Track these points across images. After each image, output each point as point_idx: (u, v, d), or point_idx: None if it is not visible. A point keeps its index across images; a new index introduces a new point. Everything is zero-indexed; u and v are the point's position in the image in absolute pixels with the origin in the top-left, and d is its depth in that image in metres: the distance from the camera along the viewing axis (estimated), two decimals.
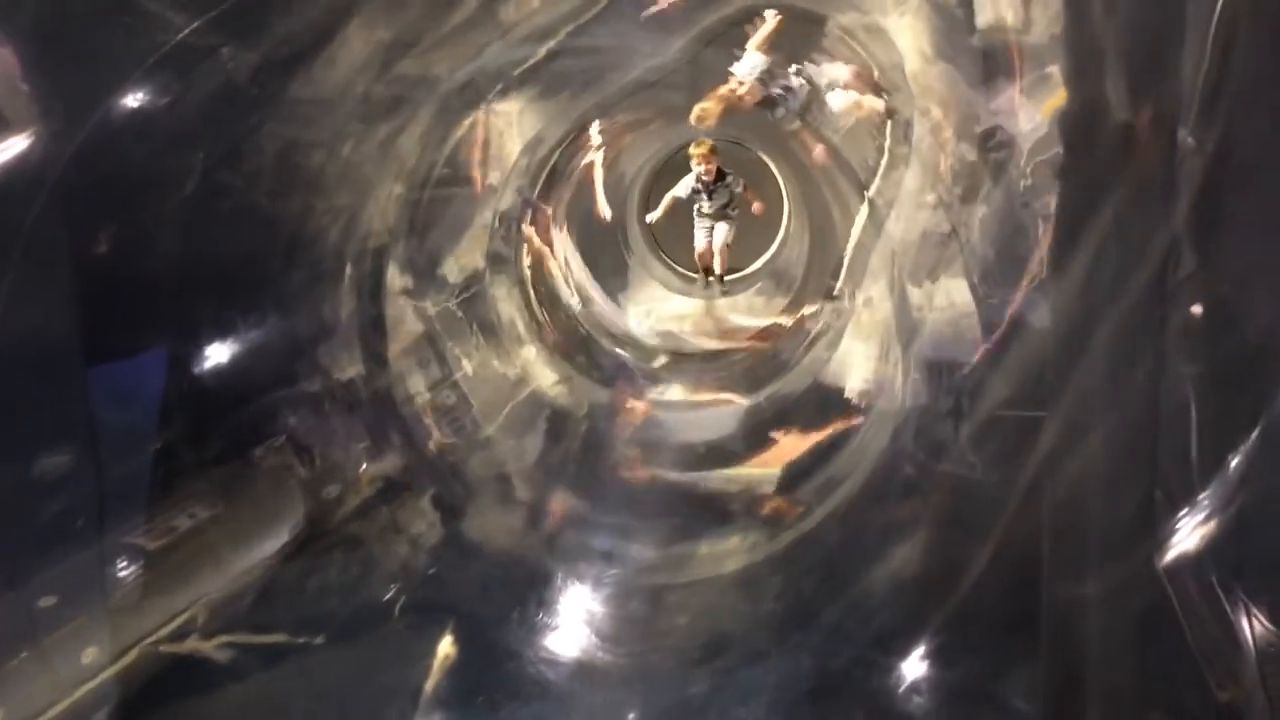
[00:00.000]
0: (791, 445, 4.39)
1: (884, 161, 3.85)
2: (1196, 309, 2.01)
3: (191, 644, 2.90)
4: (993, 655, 2.63)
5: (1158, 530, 2.05)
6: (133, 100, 2.60)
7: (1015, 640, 2.45)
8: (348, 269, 3.85)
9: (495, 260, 5.07)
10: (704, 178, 6.62)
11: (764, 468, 4.32)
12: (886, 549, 3.27)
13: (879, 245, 4.17)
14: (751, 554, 3.77)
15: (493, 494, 4.18)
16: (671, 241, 7.60)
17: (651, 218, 6.96)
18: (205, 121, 2.86)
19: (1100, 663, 2.11)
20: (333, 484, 3.62)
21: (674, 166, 6.96)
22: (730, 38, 4.08)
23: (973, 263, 3.07)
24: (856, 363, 4.38)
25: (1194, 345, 2.03)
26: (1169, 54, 1.88)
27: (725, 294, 7.35)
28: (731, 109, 4.42)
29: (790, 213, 7.31)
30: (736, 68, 4.20)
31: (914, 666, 2.79)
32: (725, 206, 6.91)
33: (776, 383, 5.20)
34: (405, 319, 4.32)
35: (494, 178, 4.92)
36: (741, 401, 5.26)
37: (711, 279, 7.36)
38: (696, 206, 6.96)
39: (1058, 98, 2.33)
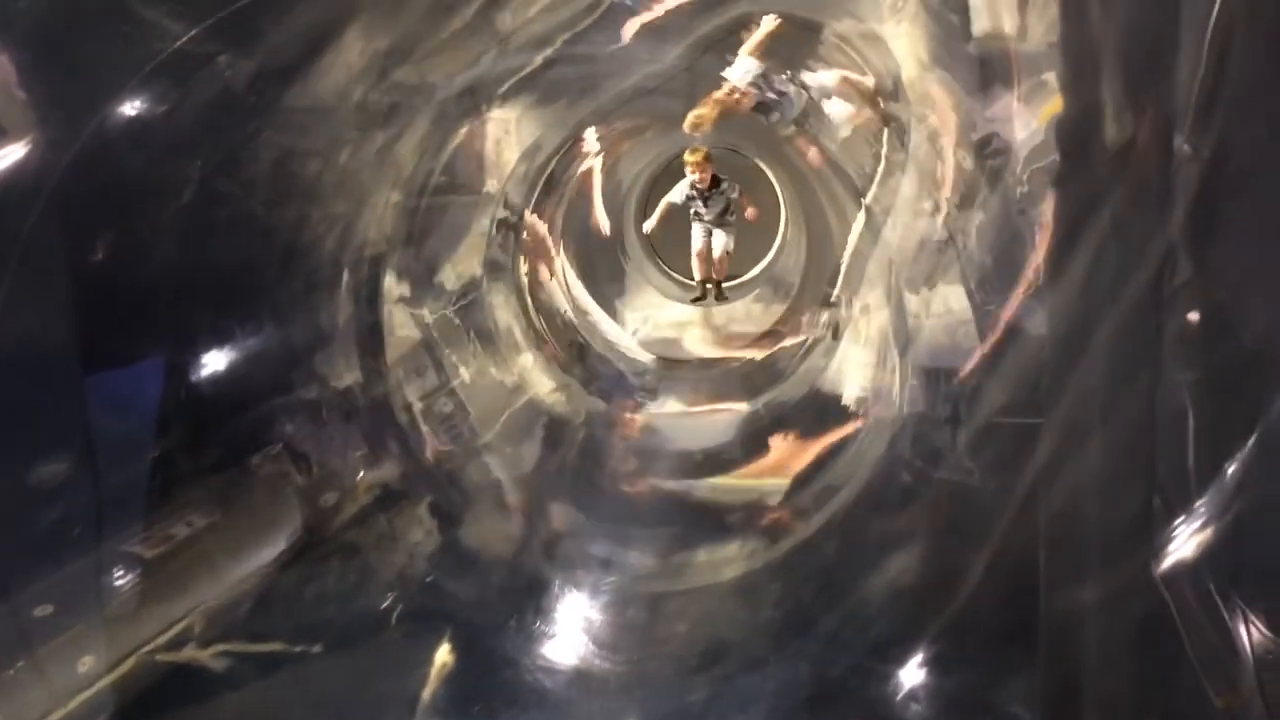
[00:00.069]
0: (789, 452, 4.39)
1: (881, 169, 3.86)
2: (1193, 316, 2.01)
3: (188, 653, 2.89)
4: (990, 663, 2.63)
5: (1155, 537, 2.05)
6: (130, 108, 2.60)
7: (1013, 648, 2.45)
8: (345, 277, 3.85)
9: (493, 268, 5.07)
10: (698, 185, 6.64)
11: (764, 478, 4.31)
12: (884, 557, 3.27)
13: (876, 252, 4.17)
14: (750, 561, 3.77)
15: (490, 502, 4.18)
16: (669, 249, 7.62)
17: (648, 227, 6.97)
18: (202, 130, 2.86)
19: (1098, 670, 2.10)
20: (330, 492, 3.62)
21: (671, 174, 6.98)
22: (727, 44, 4.08)
23: (970, 270, 3.07)
24: (854, 370, 4.38)
25: (1191, 352, 2.03)
26: (1165, 61, 1.88)
27: (722, 301, 7.36)
28: (726, 115, 4.43)
29: (787, 220, 7.33)
30: (729, 72, 4.20)
31: (912, 674, 2.78)
32: (723, 213, 6.92)
33: (774, 390, 5.21)
34: (402, 327, 4.32)
35: (491, 185, 4.92)
36: (739, 409, 5.26)
37: (709, 286, 7.37)
38: (693, 211, 6.97)
39: (1054, 105, 2.33)
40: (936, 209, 3.37)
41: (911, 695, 2.76)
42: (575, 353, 5.71)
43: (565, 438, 4.93)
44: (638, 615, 3.59)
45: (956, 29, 2.84)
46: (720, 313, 7.32)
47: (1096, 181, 2.05)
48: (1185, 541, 2.02)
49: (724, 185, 6.77)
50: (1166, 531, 2.05)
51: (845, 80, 3.84)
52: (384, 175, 3.94)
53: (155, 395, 2.93)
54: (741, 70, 4.16)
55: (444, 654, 3.26)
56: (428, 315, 4.50)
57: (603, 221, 6.81)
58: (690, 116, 4.64)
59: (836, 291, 4.90)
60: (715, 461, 4.71)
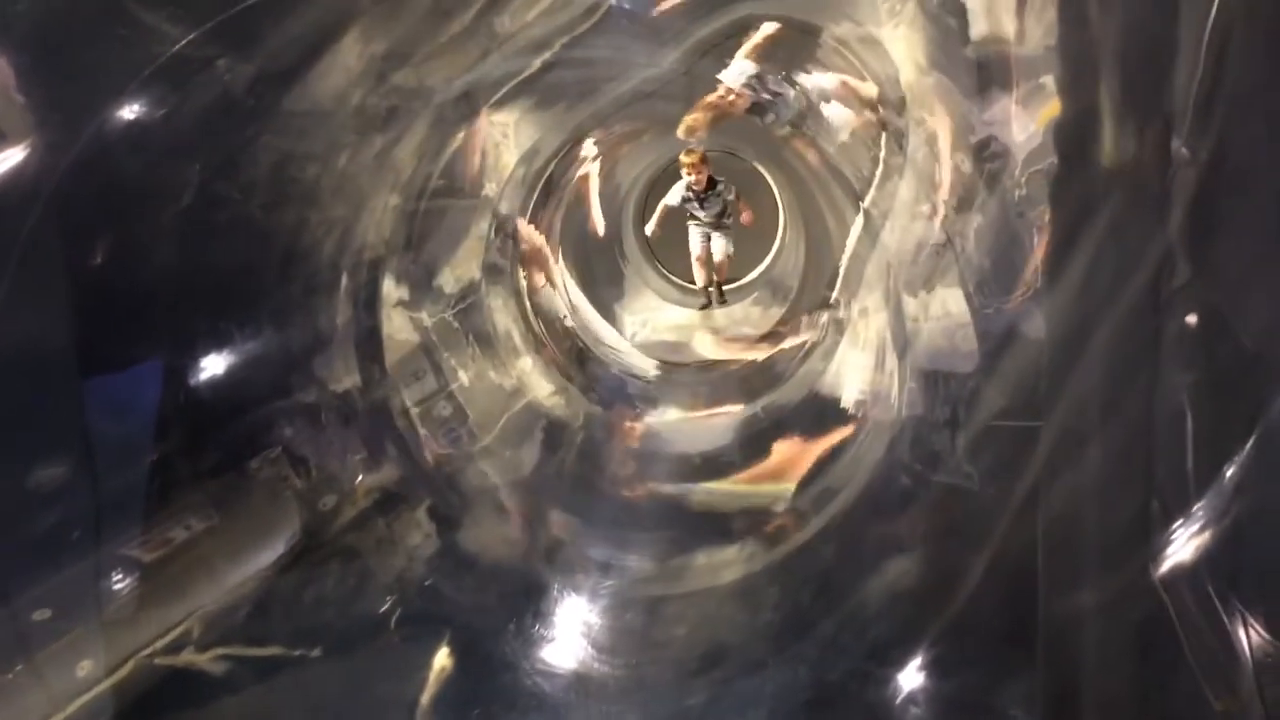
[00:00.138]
0: (792, 457, 4.38)
1: (879, 172, 3.86)
2: (1191, 318, 2.02)
3: (186, 657, 2.89)
4: (989, 666, 2.63)
5: (1154, 540, 2.05)
6: (129, 112, 2.60)
7: (1012, 651, 2.45)
8: (343, 280, 3.85)
9: (491, 271, 5.07)
10: (694, 187, 6.64)
11: (767, 484, 4.30)
12: (883, 560, 3.27)
13: (874, 255, 4.18)
14: (749, 564, 3.77)
15: (489, 505, 4.18)
16: (667, 251, 7.63)
17: (649, 230, 6.98)
18: (201, 133, 2.86)
19: (1097, 673, 2.10)
20: (329, 495, 3.62)
21: (670, 177, 6.99)
22: (725, 48, 4.09)
23: (968, 273, 3.07)
24: (852, 373, 4.38)
25: (1189, 354, 2.03)
26: (1163, 63, 1.89)
27: (724, 304, 7.38)
28: (721, 118, 4.43)
29: (786, 223, 7.33)
30: (724, 75, 4.20)
31: (911, 678, 2.78)
32: (720, 216, 6.92)
33: (772, 393, 5.20)
34: (401, 330, 4.32)
35: (490, 189, 4.92)
36: (738, 412, 5.26)
37: (711, 289, 7.38)
38: (690, 215, 6.98)
39: (1052, 108, 2.33)
40: (934, 212, 3.37)
41: (911, 698, 2.76)
42: (574, 356, 5.71)
43: (564, 441, 4.93)
44: (636, 619, 3.59)
45: (954, 32, 2.84)
46: (719, 316, 7.33)
47: (1094, 184, 2.05)
48: (1184, 544, 2.02)
49: (720, 187, 6.78)
50: (1165, 534, 2.05)
51: (844, 85, 3.85)
52: (382, 179, 3.94)
53: (154, 399, 2.93)
54: (736, 71, 4.16)
55: (443, 658, 3.26)
56: (426, 319, 4.50)
57: (599, 222, 6.82)
58: (685, 121, 4.64)
59: (835, 294, 4.90)
60: (714, 465, 4.71)
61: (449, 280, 4.74)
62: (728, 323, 7.21)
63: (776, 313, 6.82)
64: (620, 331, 6.79)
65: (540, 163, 5.25)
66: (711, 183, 6.73)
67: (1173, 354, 2.03)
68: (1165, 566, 2.03)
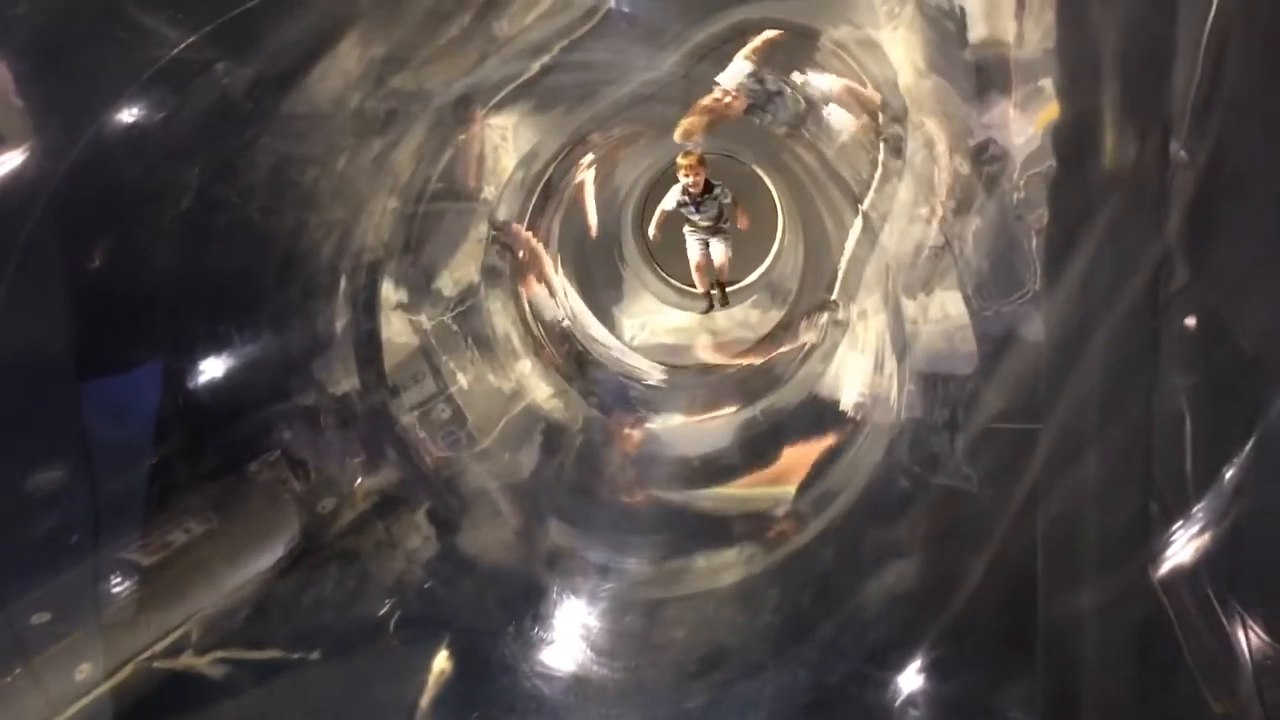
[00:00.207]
0: (788, 461, 4.38)
1: (878, 175, 3.86)
2: (1190, 320, 2.02)
3: (185, 660, 2.89)
4: (989, 668, 2.63)
5: (1153, 543, 2.06)
6: (128, 115, 2.60)
7: (1011, 653, 2.45)
8: (342, 283, 3.85)
9: (490, 274, 5.07)
10: (691, 189, 6.63)
11: (767, 487, 4.30)
12: (882, 562, 3.27)
13: (873, 258, 4.18)
14: (748, 567, 3.77)
15: (488, 508, 4.18)
16: (666, 254, 7.63)
17: (651, 234, 6.98)
18: (200, 136, 2.87)
19: (1096, 675, 2.10)
20: (328, 498, 3.62)
21: (668, 180, 6.98)
22: (724, 53, 4.09)
23: (967, 275, 3.07)
24: (852, 375, 4.38)
25: (1188, 357, 2.03)
26: (1161, 66, 1.89)
27: (726, 306, 7.38)
28: (718, 120, 4.42)
29: (785, 226, 7.33)
30: (722, 76, 4.20)
31: (910, 680, 2.78)
32: (716, 219, 6.92)
33: (772, 395, 5.20)
34: (400, 333, 4.32)
35: (489, 192, 4.93)
36: (737, 414, 5.26)
37: (714, 292, 7.38)
38: (687, 221, 6.97)
39: (1051, 111, 2.33)
40: (933, 215, 3.37)
41: (910, 701, 2.76)
42: (573, 359, 5.71)
43: (563, 444, 4.93)
44: (636, 621, 3.59)
45: (953, 35, 2.84)
46: (719, 318, 7.33)
47: (1093, 187, 2.05)
48: (1183, 547, 2.03)
49: (717, 190, 6.77)
50: (1164, 537, 2.05)
51: (845, 88, 3.84)
52: (381, 182, 3.94)
53: (153, 402, 2.93)
54: (734, 71, 4.16)
55: (442, 661, 3.25)
56: (425, 322, 4.50)
57: (593, 225, 6.82)
58: (681, 124, 4.64)
59: (834, 297, 4.91)
60: (713, 467, 4.71)
61: (448, 283, 4.74)
62: (727, 325, 7.21)
63: (775, 315, 6.82)
64: (619, 335, 6.79)
65: (539, 166, 5.25)
66: (708, 186, 6.72)
67: (1171, 356, 2.03)
68: (1164, 568, 2.03)
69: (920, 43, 3.14)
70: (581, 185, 6.42)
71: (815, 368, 4.96)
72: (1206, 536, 1.99)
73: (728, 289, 7.41)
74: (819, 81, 3.99)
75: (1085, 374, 2.08)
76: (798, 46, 3.95)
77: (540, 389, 5.14)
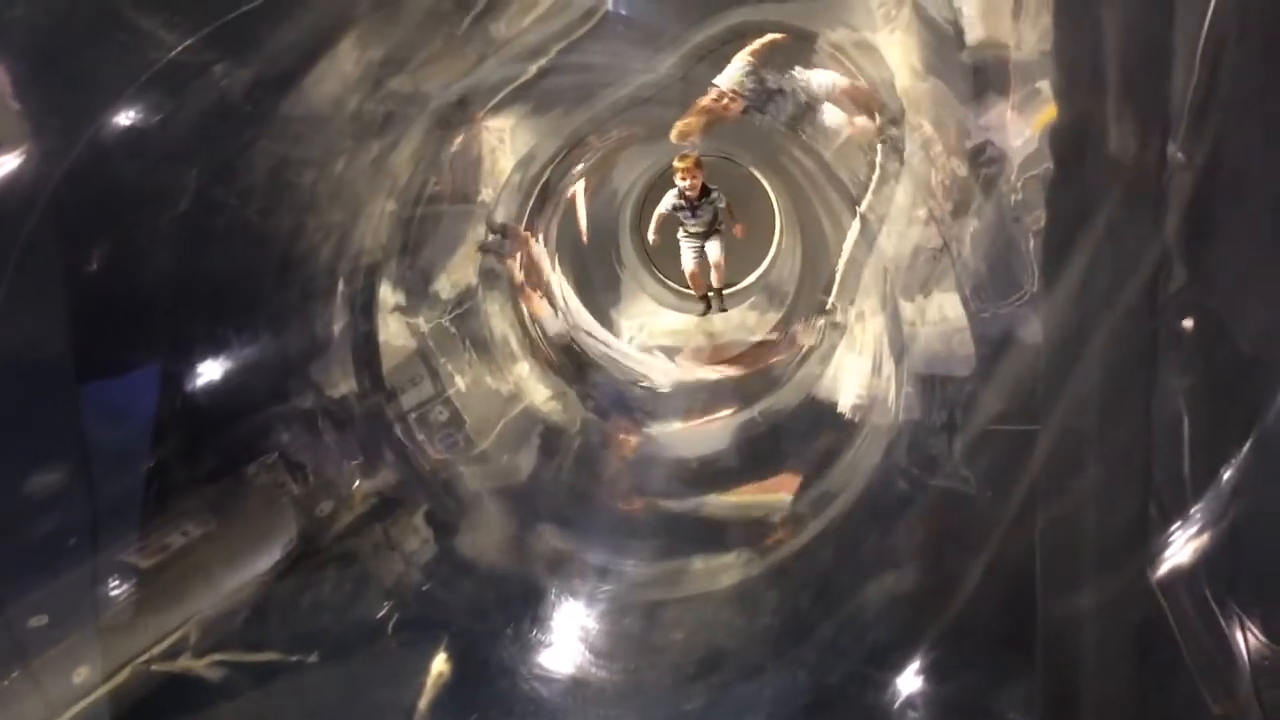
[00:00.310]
0: (787, 472, 4.37)
1: (875, 177, 3.86)
2: (1188, 322, 2.02)
3: (184, 663, 2.88)
4: (988, 669, 2.63)
5: (1151, 544, 2.06)
6: (125, 117, 2.60)
7: (1010, 654, 2.45)
8: (340, 286, 3.85)
9: (488, 276, 5.07)
10: (688, 193, 6.63)
11: (766, 495, 4.30)
12: (880, 564, 3.27)
13: (871, 260, 4.18)
14: (747, 569, 3.77)
15: (487, 510, 4.17)
16: (663, 257, 7.64)
17: (651, 238, 7.00)
18: (198, 138, 2.86)
19: (1095, 676, 2.11)
20: (326, 501, 3.61)
21: (666, 181, 7.00)
22: (722, 55, 4.09)
23: (965, 277, 3.07)
24: (850, 377, 4.38)
25: (1186, 358, 2.03)
26: (1159, 68, 1.89)
27: (723, 310, 7.38)
28: (715, 122, 4.42)
29: (782, 228, 7.34)
30: (719, 78, 4.19)
31: (909, 681, 2.78)
32: (711, 223, 6.93)
33: (770, 398, 5.21)
34: (398, 336, 4.32)
35: (487, 194, 4.93)
36: (735, 416, 5.26)
37: (711, 295, 7.38)
38: (681, 227, 6.97)
39: (1048, 113, 2.33)
40: (931, 217, 3.38)
41: (909, 702, 2.76)
42: (571, 362, 5.71)
43: (561, 446, 4.92)
44: (634, 623, 3.59)
45: (950, 38, 2.85)
46: (717, 321, 7.34)
47: (1091, 189, 2.06)
48: (1182, 548, 2.03)
49: (714, 195, 6.78)
50: (1163, 538, 2.05)
51: (847, 89, 3.84)
52: (379, 184, 3.94)
53: (151, 404, 2.93)
54: (731, 72, 4.15)
55: (440, 663, 3.25)
56: (423, 324, 4.50)
57: (584, 228, 6.83)
58: (678, 125, 4.64)
59: (832, 299, 4.91)
60: (712, 470, 4.71)
61: (445, 286, 4.74)
62: (725, 327, 7.22)
63: (773, 317, 6.83)
64: (617, 337, 6.79)
65: (536, 168, 5.26)
66: (705, 190, 6.73)
67: (1170, 358, 2.03)
68: (1163, 570, 2.03)
69: (917, 45, 3.14)
70: (574, 195, 6.43)
71: (813, 370, 4.97)
72: (1205, 537, 1.99)
73: (724, 291, 7.41)
74: (818, 79, 3.99)
75: (1083, 375, 2.09)
76: (795, 49, 3.96)
77: (538, 391, 5.14)
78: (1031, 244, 2.54)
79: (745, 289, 7.62)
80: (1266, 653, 1.88)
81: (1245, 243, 1.93)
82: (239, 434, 3.34)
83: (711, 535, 4.10)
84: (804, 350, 5.34)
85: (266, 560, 3.30)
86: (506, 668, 3.30)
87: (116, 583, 2.76)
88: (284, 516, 3.43)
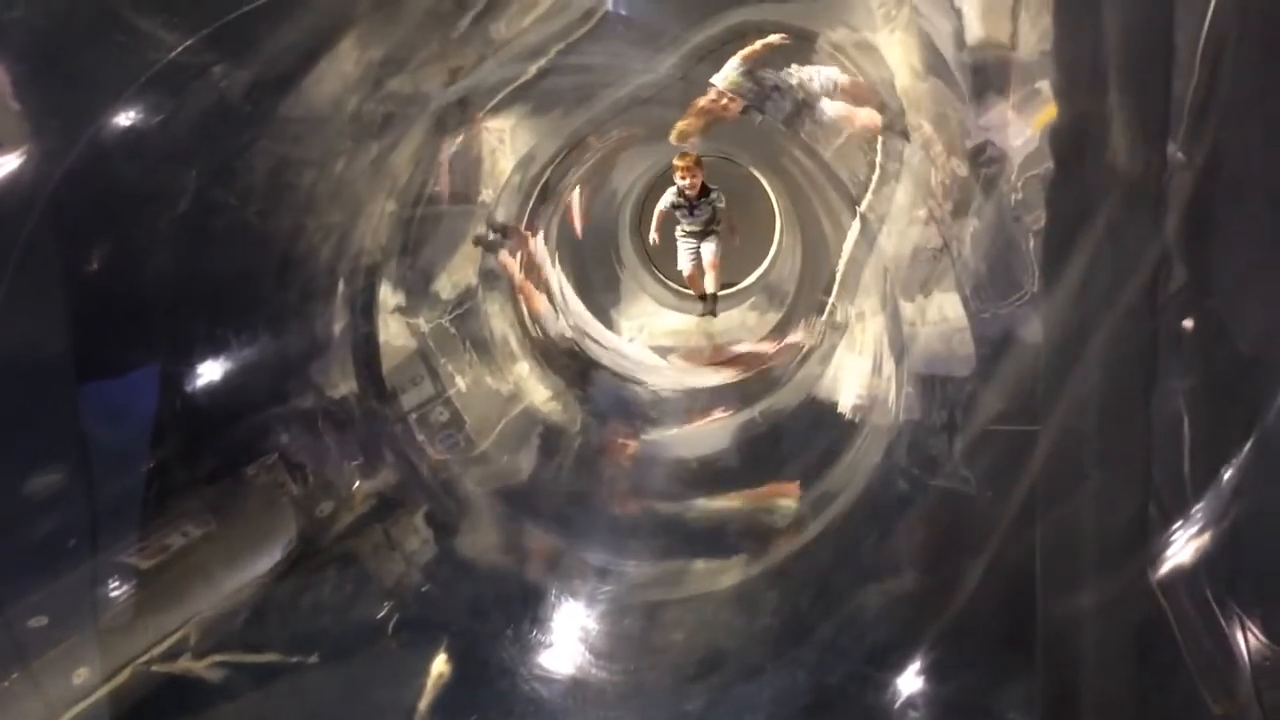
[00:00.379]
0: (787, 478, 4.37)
1: (875, 177, 3.86)
2: (1188, 322, 2.02)
3: (183, 664, 2.88)
4: (988, 669, 2.63)
5: (1151, 544, 2.06)
6: (125, 118, 2.60)
7: (1010, 654, 2.45)
8: (340, 286, 3.85)
9: (488, 277, 5.07)
10: (687, 191, 6.63)
11: (764, 500, 4.30)
12: (881, 564, 3.27)
13: (871, 260, 4.18)
14: (747, 569, 3.76)
15: (487, 511, 4.17)
16: (664, 257, 7.64)
17: (652, 239, 7.00)
18: (198, 139, 2.86)
19: (1096, 676, 2.10)
20: (326, 501, 3.61)
21: (666, 182, 7.01)
22: (722, 55, 4.09)
23: (965, 277, 3.07)
24: (850, 377, 4.38)
25: (1186, 358, 2.03)
26: (1159, 68, 1.89)
27: (713, 315, 7.36)
28: (714, 122, 4.41)
29: (782, 228, 7.34)
30: (715, 77, 4.18)
31: (909, 682, 2.78)
32: (708, 223, 6.92)
33: (770, 397, 5.21)
34: (398, 336, 4.32)
35: (486, 195, 4.93)
36: (736, 416, 5.26)
37: (707, 298, 7.38)
38: (679, 226, 6.97)
39: (1048, 113, 2.33)
40: (931, 217, 3.38)
41: (909, 702, 2.76)
42: (571, 362, 5.71)
43: (561, 446, 4.92)
44: (634, 624, 3.59)
45: (950, 37, 2.85)
46: (716, 320, 7.34)
47: (1091, 189, 2.05)
48: (1182, 548, 2.03)
49: (713, 195, 6.77)
50: (1163, 538, 2.05)
51: (847, 85, 3.83)
52: (379, 185, 3.94)
53: (150, 405, 2.93)
54: (726, 71, 4.14)
55: (440, 664, 3.25)
56: (423, 324, 4.50)
57: (578, 228, 6.84)
58: (677, 126, 4.63)
59: (832, 300, 4.91)
60: (712, 470, 4.71)
61: (445, 286, 4.75)
62: (725, 328, 7.22)
63: (773, 318, 6.83)
64: (617, 337, 6.80)
65: (536, 169, 5.26)
66: (704, 190, 6.72)
67: (1170, 358, 2.03)
68: (1163, 570, 2.03)
69: (917, 45, 3.14)
70: (570, 204, 6.43)
71: (813, 370, 4.96)
72: (1205, 537, 1.99)
73: (719, 293, 7.38)
74: (817, 75, 3.98)
75: (1083, 376, 2.08)
76: (795, 50, 3.95)
77: (539, 391, 5.14)
78: (1031, 244, 2.54)
79: (745, 289, 7.62)
80: (1266, 653, 1.88)
81: (1245, 243, 1.93)
82: (239, 435, 3.34)
83: (712, 535, 4.10)
84: (804, 350, 5.34)
85: (266, 561, 3.30)
86: (506, 668, 3.30)
87: (116, 583, 2.75)
88: (284, 517, 3.43)
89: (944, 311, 3.22)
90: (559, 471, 4.77)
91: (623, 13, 3.80)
